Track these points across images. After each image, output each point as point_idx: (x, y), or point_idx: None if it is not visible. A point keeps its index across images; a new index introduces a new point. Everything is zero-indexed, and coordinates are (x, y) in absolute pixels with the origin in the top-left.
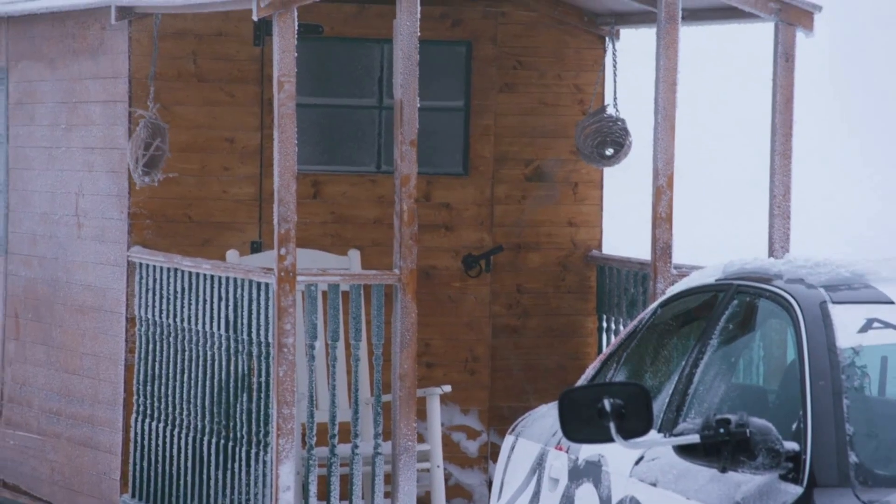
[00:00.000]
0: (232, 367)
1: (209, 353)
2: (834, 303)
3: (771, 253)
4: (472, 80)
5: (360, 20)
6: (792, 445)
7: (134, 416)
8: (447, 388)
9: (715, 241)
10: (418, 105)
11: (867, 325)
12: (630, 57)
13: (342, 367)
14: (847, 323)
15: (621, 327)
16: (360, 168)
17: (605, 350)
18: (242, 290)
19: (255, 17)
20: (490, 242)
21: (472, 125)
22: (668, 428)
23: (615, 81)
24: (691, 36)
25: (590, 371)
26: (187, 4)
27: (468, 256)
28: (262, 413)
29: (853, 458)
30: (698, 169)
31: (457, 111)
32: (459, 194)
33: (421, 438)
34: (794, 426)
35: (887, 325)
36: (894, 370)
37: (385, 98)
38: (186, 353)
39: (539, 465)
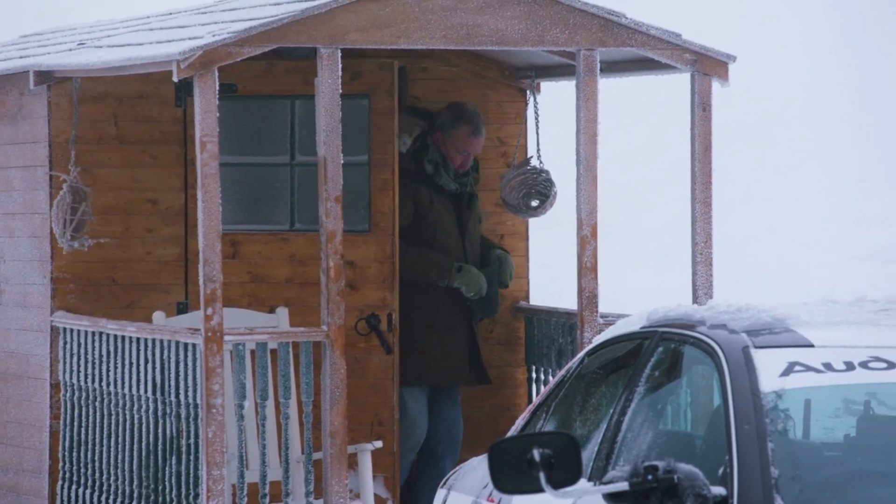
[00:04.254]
0: (160, 430)
1: (136, 416)
2: (756, 347)
3: (695, 300)
4: (371, 134)
5: (269, 77)
6: (719, 490)
7: (60, 483)
8: (378, 444)
9: (643, 290)
10: (342, 161)
11: (789, 369)
12: (554, 109)
13: (272, 425)
14: (769, 367)
15: (551, 377)
16: (274, 226)
17: (535, 401)
18: (169, 351)
19: (175, 79)
20: (392, 301)
21: (373, 179)
22: (597, 476)
23: (538, 133)
24: (622, 88)
25: (519, 422)
26: (107, 67)
27: (372, 316)
28: (191, 475)
29: (779, 502)
30: (624, 219)
31: (361, 166)
32: (363, 251)
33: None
34: (721, 471)
35: (808, 369)
36: (817, 413)
37: (297, 155)
38: (113, 418)
39: None
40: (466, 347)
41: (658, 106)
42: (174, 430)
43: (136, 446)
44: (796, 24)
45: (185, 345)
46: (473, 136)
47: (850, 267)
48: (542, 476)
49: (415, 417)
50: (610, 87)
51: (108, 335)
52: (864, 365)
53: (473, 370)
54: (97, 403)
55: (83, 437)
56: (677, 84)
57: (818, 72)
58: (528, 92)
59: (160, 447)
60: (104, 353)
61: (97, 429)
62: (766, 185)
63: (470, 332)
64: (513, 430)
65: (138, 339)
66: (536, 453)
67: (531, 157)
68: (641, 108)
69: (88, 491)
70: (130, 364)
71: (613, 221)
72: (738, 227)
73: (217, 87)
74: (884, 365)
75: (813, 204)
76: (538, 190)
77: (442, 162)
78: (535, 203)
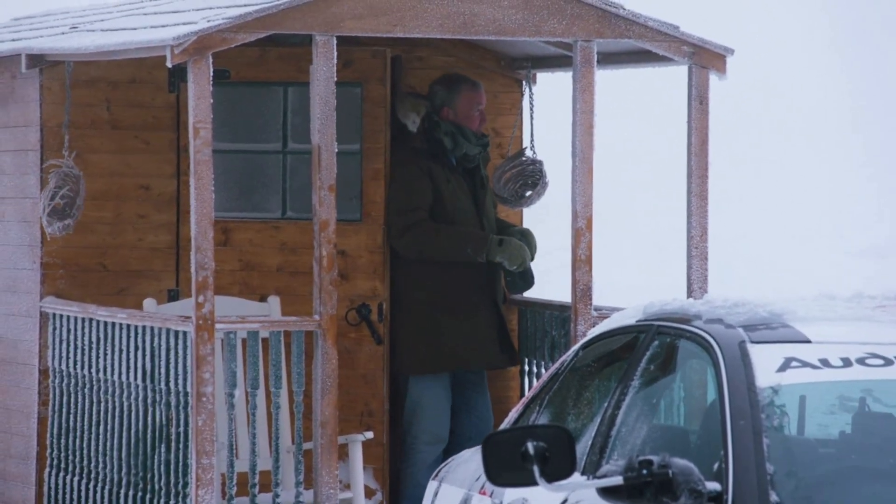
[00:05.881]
0: (149, 418)
1: (125, 403)
2: (753, 342)
3: (690, 294)
4: (363, 123)
5: (262, 64)
6: (714, 486)
7: (47, 470)
8: (370, 435)
9: (636, 283)
10: (336, 150)
11: (785, 365)
12: (550, 100)
13: (262, 415)
14: (766, 362)
15: (543, 370)
16: (266, 214)
17: (528, 393)
18: (160, 339)
19: (169, 64)
20: (383, 291)
21: (364, 169)
22: (591, 470)
23: (532, 125)
24: (615, 81)
25: (513, 414)
26: (100, 52)
27: (363, 306)
28: (180, 464)
29: (774, 498)
30: (618, 212)
31: (353, 155)
32: (354, 241)
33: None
34: (716, 466)
35: (805, 364)
36: (812, 409)
37: (290, 142)
38: (102, 405)
39: None
40: (495, 327)
41: (655, 99)
42: (164, 419)
43: (125, 434)
44: (793, 19)
45: (176, 332)
46: (476, 91)
47: (846, 263)
48: (535, 469)
49: (430, 409)
50: (606, 79)
51: (98, 322)
52: (860, 361)
53: (504, 351)
54: (86, 390)
55: (71, 423)
56: (675, 77)
57: (816, 66)
58: (523, 83)
59: (149, 435)
60: (94, 339)
61: (86, 416)
62: (760, 179)
63: (497, 312)
64: (506, 423)
65: (128, 326)
66: (530, 446)
67: (525, 147)
68: (638, 101)
69: (76, 478)
70: (120, 351)
71: (607, 214)
72: (733, 222)
73: (211, 74)
74: (881, 362)
75: (808, 199)
76: (533, 181)
77: (458, 131)
78: (528, 193)
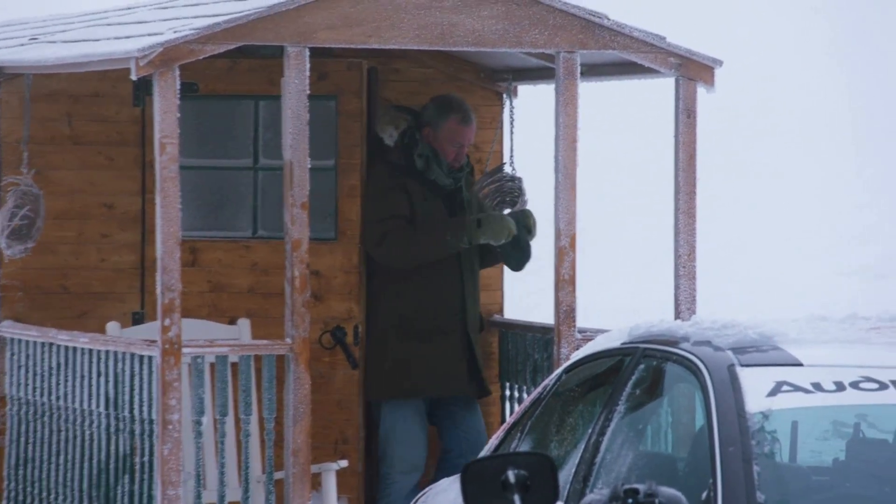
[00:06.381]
0: (112, 447)
1: (87, 432)
2: (742, 366)
3: (677, 315)
4: (338, 137)
5: (232, 76)
6: None
7: (4, 503)
8: (344, 464)
9: (620, 303)
10: (309, 166)
11: (776, 389)
12: (531, 113)
13: (231, 443)
14: (756, 386)
15: (525, 395)
16: (235, 233)
17: (509, 419)
18: (124, 364)
19: (134, 77)
20: (358, 313)
21: (340, 185)
22: (575, 499)
23: (512, 139)
24: (599, 93)
25: (493, 441)
26: (61, 64)
27: (337, 329)
28: (145, 495)
29: None
30: (602, 229)
31: (327, 171)
32: (328, 261)
33: None
34: (704, 495)
35: (797, 389)
36: (805, 435)
37: (261, 158)
38: (62, 434)
39: None
40: (464, 355)
41: (641, 111)
42: (128, 448)
43: (86, 464)
44: (786, 22)
45: (141, 357)
46: (464, 125)
47: (839, 283)
48: (516, 499)
49: (404, 437)
50: (590, 91)
51: (58, 346)
52: (854, 385)
53: (473, 380)
54: (46, 418)
55: (30, 454)
56: (662, 88)
57: (815, 68)
58: (504, 95)
59: (112, 465)
60: (54, 365)
61: (45, 445)
62: (750, 193)
63: (467, 339)
64: (486, 450)
65: (91, 351)
66: (511, 474)
67: (504, 163)
68: (624, 113)
69: None
70: (82, 377)
71: (591, 231)
72: (721, 237)
73: (178, 87)
74: (875, 385)
75: (800, 216)
76: (512, 198)
77: (433, 156)
78: (506, 211)
